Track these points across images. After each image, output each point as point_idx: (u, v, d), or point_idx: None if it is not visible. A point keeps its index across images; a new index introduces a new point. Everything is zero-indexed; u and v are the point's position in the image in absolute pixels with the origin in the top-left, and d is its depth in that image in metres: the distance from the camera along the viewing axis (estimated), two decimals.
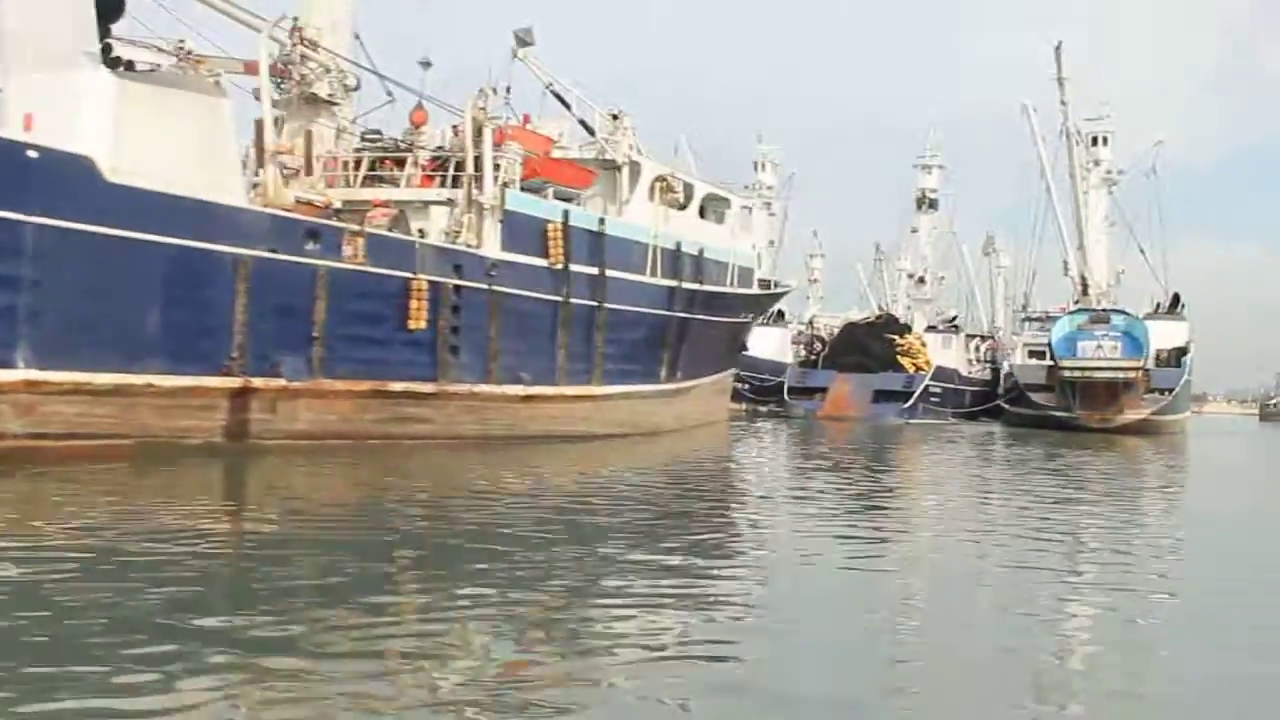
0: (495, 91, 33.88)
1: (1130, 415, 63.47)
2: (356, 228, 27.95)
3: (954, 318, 79.55)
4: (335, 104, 33.70)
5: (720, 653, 9.24)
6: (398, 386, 28.69)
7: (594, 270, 35.55)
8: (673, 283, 40.05)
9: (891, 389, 68.23)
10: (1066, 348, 65.47)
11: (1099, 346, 64.79)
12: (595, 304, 35.68)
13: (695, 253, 41.78)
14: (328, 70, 33.30)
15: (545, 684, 8.25)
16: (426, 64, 33.80)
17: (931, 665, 9.23)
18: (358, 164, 33.39)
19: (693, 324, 42.05)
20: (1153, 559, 15.67)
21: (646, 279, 38.49)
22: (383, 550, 13.41)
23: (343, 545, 13.71)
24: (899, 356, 70.51)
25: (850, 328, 73.97)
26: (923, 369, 70.06)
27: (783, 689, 8.26)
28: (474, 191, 31.39)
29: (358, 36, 34.65)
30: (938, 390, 70.60)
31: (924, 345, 72.01)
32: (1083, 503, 23.47)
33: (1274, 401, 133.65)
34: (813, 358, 72.62)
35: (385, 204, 31.54)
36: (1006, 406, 70.98)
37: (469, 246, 31.03)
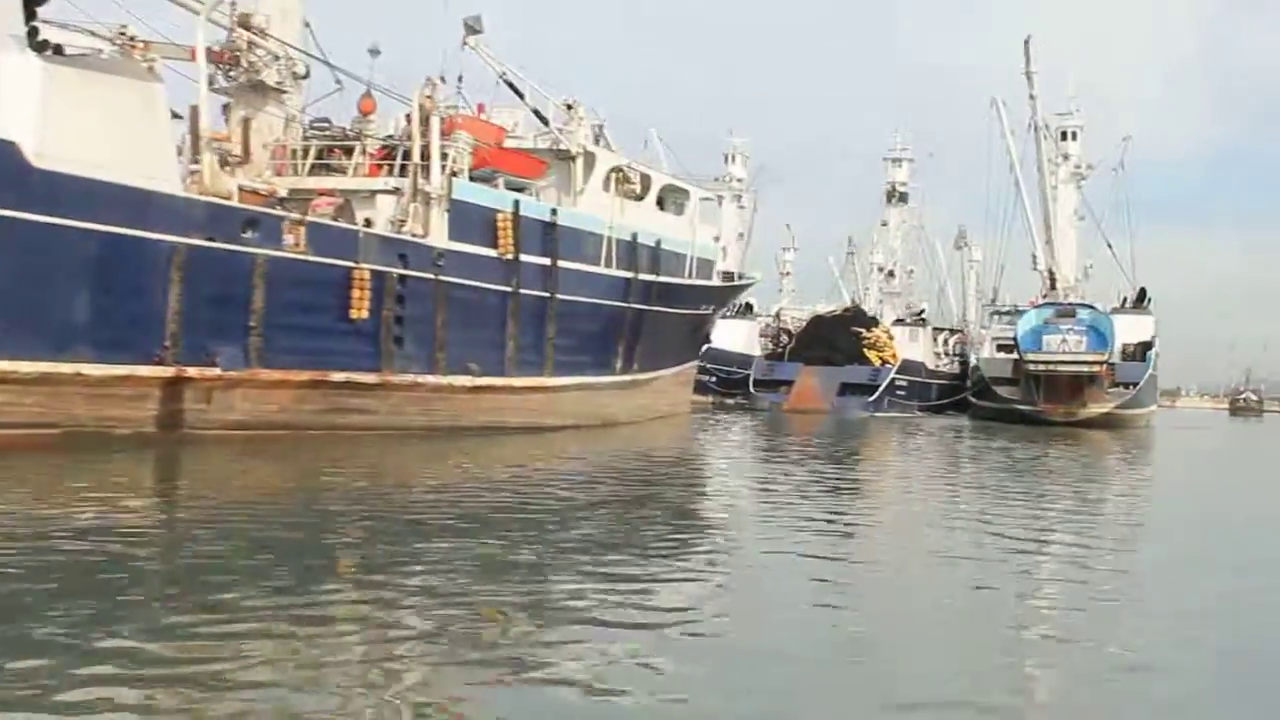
0: (444, 80, 33.71)
1: (1094, 409, 63.46)
2: (297, 216, 27.66)
3: (921, 311, 79.38)
4: (284, 92, 33.42)
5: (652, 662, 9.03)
6: (339, 377, 28.44)
7: (546, 261, 35.34)
8: (628, 274, 39.85)
9: (857, 382, 68.10)
10: (1032, 341, 65.43)
11: (1064, 340, 64.73)
12: (547, 295, 35.46)
13: (652, 244, 41.60)
14: (276, 58, 33.03)
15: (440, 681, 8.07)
16: (375, 52, 33.49)
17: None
18: (306, 153, 33.15)
19: (651, 316, 41.87)
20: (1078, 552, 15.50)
21: (601, 270, 38.30)
22: (289, 543, 13.22)
23: (250, 536, 13.51)
24: (865, 349, 70.34)
25: (817, 321, 73.76)
26: (889, 362, 69.93)
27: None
28: (420, 181, 31.13)
29: (308, 24, 34.31)
30: (904, 383, 70.52)
31: (891, 338, 71.85)
32: (1020, 496, 23.33)
33: (1243, 396, 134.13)
34: (779, 350, 72.39)
35: (330, 193, 31.28)
36: (973, 400, 71.04)
37: (414, 236, 30.77)
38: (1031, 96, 72.37)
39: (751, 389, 68.78)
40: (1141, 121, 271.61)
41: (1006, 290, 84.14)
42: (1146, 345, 68.55)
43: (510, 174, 35.20)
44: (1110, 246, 76.60)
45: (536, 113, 37.94)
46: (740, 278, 60.78)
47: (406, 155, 32.06)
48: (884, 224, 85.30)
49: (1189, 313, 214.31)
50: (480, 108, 38.66)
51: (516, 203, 34.08)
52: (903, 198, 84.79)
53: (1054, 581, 13.33)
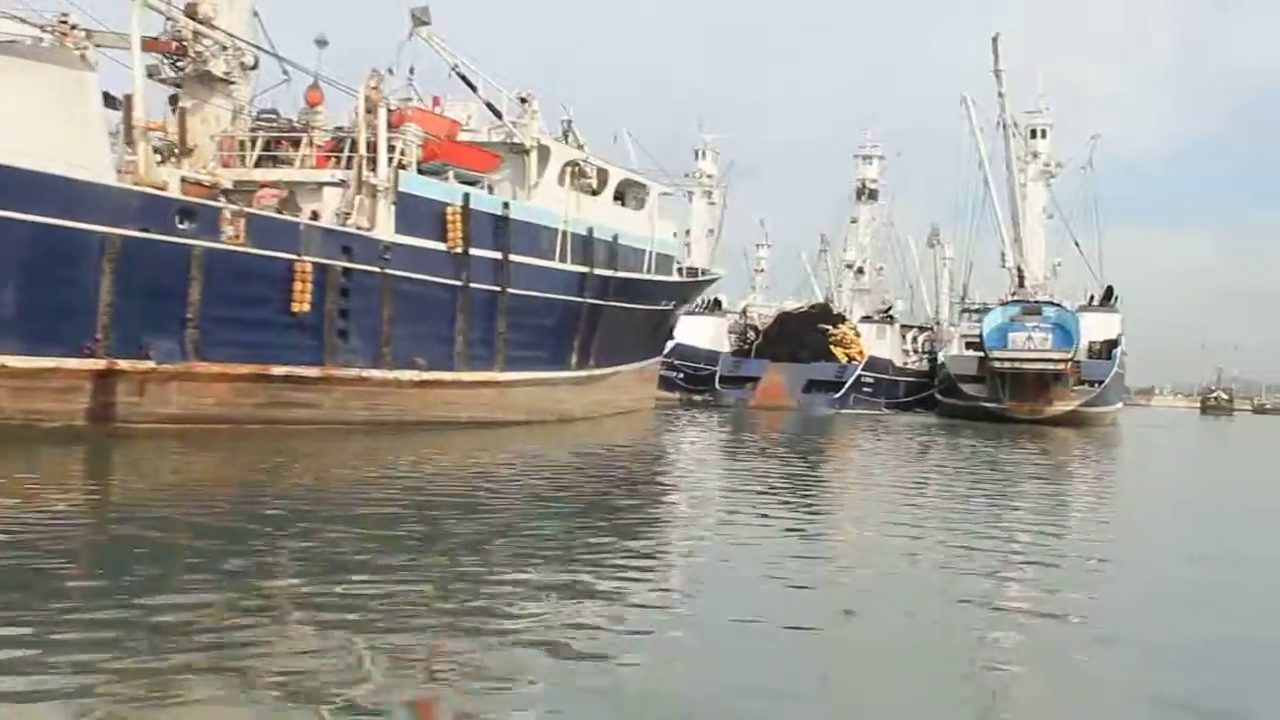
0: (392, 72, 33.48)
1: (1060, 407, 63.47)
2: (236, 208, 27.33)
3: (889, 308, 79.32)
4: (231, 83, 33.03)
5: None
6: (280, 370, 28.13)
7: (497, 255, 35.08)
8: (584, 269, 39.59)
9: (823, 379, 68.02)
10: (998, 339, 65.38)
11: (1029, 338, 64.71)
12: (498, 289, 35.21)
13: (609, 239, 41.37)
14: (224, 48, 32.66)
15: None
16: (322, 43, 33.16)
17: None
18: (253, 144, 32.79)
19: (609, 311, 41.63)
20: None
21: (555, 264, 38.03)
22: (201, 537, 12.93)
23: (165, 530, 13.23)
24: (832, 346, 70.25)
25: (784, 317, 73.64)
26: (856, 359, 69.84)
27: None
28: (366, 173, 30.80)
29: (256, 14, 33.94)
30: (870, 381, 70.42)
31: (858, 336, 71.74)
32: (974, 498, 23.01)
33: (1214, 395, 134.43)
34: (746, 347, 72.25)
35: (275, 185, 30.94)
36: (941, 398, 70.96)
37: (359, 229, 30.45)
38: (1000, 94, 72.27)
39: (717, 385, 68.58)
40: (1120, 120, 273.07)
41: (977, 288, 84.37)
42: (1112, 343, 68.58)
43: (461, 167, 34.90)
44: (1078, 244, 76.69)
45: (490, 105, 37.67)
46: (704, 273, 60.52)
47: (354, 147, 31.73)
48: (853, 221, 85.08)
49: (1163, 311, 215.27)
50: (436, 101, 38.41)
51: (466, 196, 33.81)
52: (872, 195, 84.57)
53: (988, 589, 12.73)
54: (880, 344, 72.82)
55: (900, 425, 55.21)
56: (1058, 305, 68.27)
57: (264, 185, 30.24)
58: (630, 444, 33.63)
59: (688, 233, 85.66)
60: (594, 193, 41.26)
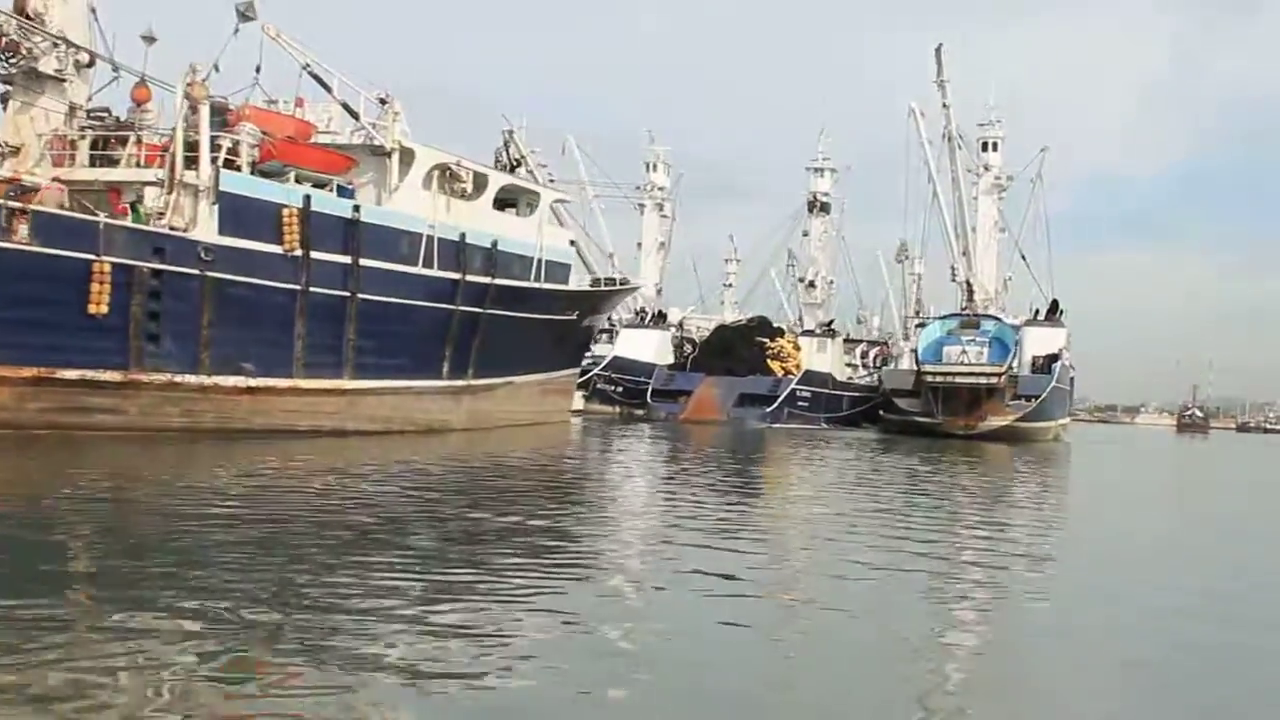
0: (218, 69, 32.38)
1: (994, 421, 62.20)
2: (20, 205, 26.37)
3: (831, 322, 78.08)
4: (64, 80, 32.17)
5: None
6: (72, 374, 27.17)
7: (345, 259, 34.07)
8: (455, 275, 38.53)
9: (756, 393, 66.84)
10: (933, 353, 64.26)
11: (963, 352, 63.51)
12: (347, 294, 34.18)
13: (487, 245, 40.28)
14: (55, 44, 31.82)
15: None
16: (150, 39, 32.17)
17: None
18: (90, 143, 31.89)
19: (489, 319, 40.51)
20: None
21: (419, 270, 36.97)
22: None
23: None
24: (769, 360, 69.10)
25: (721, 330, 72.59)
26: (792, 373, 68.67)
27: None
28: (184, 173, 29.83)
29: (93, 10, 33.08)
30: (807, 395, 69.14)
31: (797, 349, 70.57)
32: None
33: (1189, 413, 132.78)
34: (682, 360, 71.13)
35: (94, 184, 30.02)
36: (883, 413, 69.69)
37: (173, 229, 29.45)
38: (944, 105, 71.28)
39: (649, 399, 67.41)
40: (1120, 141, 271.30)
41: (933, 302, 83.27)
42: (1053, 358, 67.22)
43: (304, 168, 33.84)
44: (1024, 258, 75.69)
45: (346, 106, 36.66)
46: (623, 283, 59.40)
47: (188, 148, 30.78)
48: (805, 234, 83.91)
49: (1157, 330, 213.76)
50: (300, 102, 37.49)
51: (307, 198, 32.80)
52: (824, 208, 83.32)
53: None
54: (821, 358, 71.49)
55: (835, 440, 53.78)
56: (996, 319, 67.08)
57: (45, 187, 28.87)
58: (497, 456, 31.37)
59: (639, 245, 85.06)
60: (468, 197, 40.18)
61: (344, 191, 35.42)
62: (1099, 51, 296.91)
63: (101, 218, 28.09)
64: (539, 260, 43.70)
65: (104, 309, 27.28)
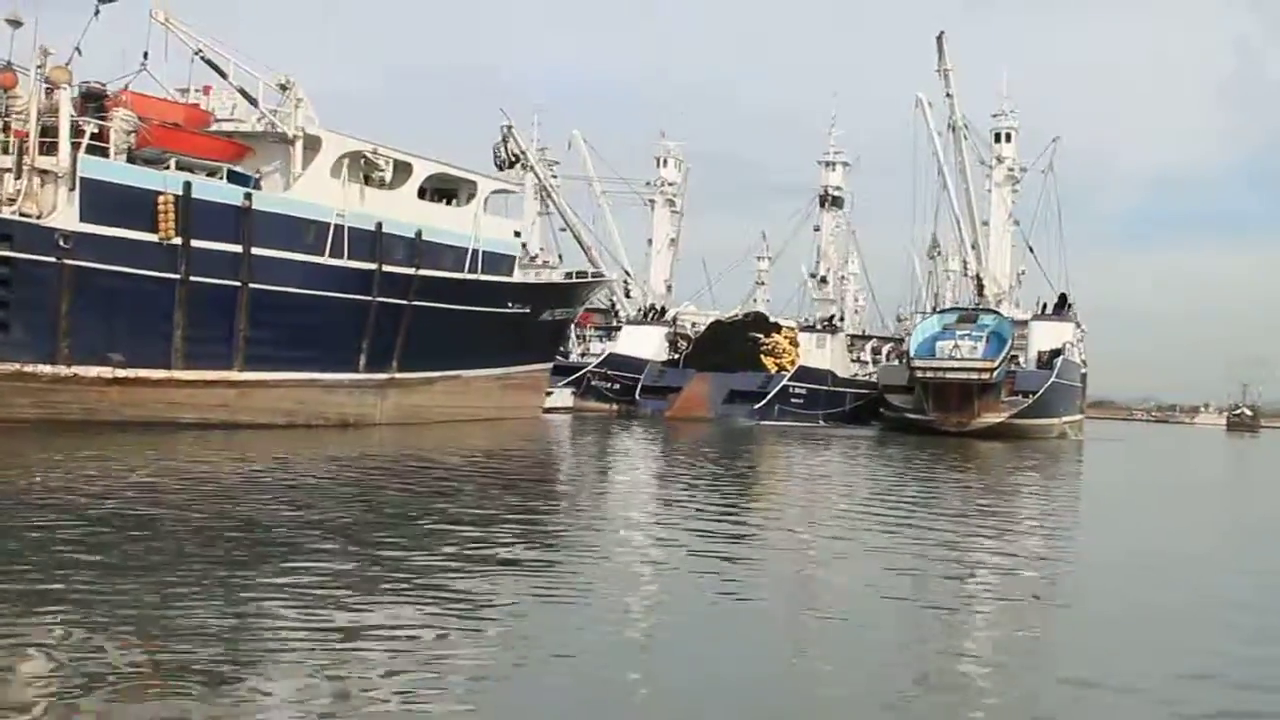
0: (80, 53, 31.70)
1: (988, 418, 60.18)
2: None
3: (831, 317, 76.09)
4: None
5: None
6: None
7: (235, 247, 33.30)
8: (369, 265, 37.63)
9: (746, 389, 65.31)
10: (926, 348, 62.33)
11: (955, 346, 61.50)
12: (237, 284, 33.43)
13: (410, 235, 39.34)
14: None
15: None
16: (15, 23, 31.47)
17: None
18: None
19: (415, 311, 39.56)
20: None
21: (324, 260, 36.12)
22: None
23: None
24: (763, 356, 67.53)
25: (716, 326, 70.98)
26: (786, 369, 67.06)
27: None
28: (35, 157, 29.21)
29: None
30: (802, 391, 67.43)
31: (793, 345, 68.87)
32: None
33: (1238, 412, 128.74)
34: (676, 356, 69.73)
35: None
36: (882, 410, 67.86)
37: (23, 215, 28.82)
38: (948, 95, 69.30)
39: (637, 396, 66.16)
40: (1185, 140, 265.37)
41: (947, 298, 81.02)
42: (1056, 352, 64.94)
43: (187, 155, 33.07)
44: (1031, 250, 73.25)
45: (243, 92, 35.82)
46: (592, 275, 58.18)
47: (45, 132, 30.19)
48: (816, 229, 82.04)
49: (1219, 330, 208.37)
50: (207, 90, 36.79)
51: (187, 184, 32.07)
52: (836, 202, 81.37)
53: None
54: (820, 354, 69.74)
55: (809, 438, 52.15)
56: (996, 313, 65.06)
57: None
58: (402, 452, 29.50)
59: (649, 241, 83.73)
60: (388, 186, 39.30)
61: (243, 179, 34.68)
62: (1165, 48, 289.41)
63: None
64: (473, 251, 42.62)
65: None
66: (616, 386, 69.54)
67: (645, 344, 71.48)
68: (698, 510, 20.88)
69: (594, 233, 77.42)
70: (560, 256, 76.31)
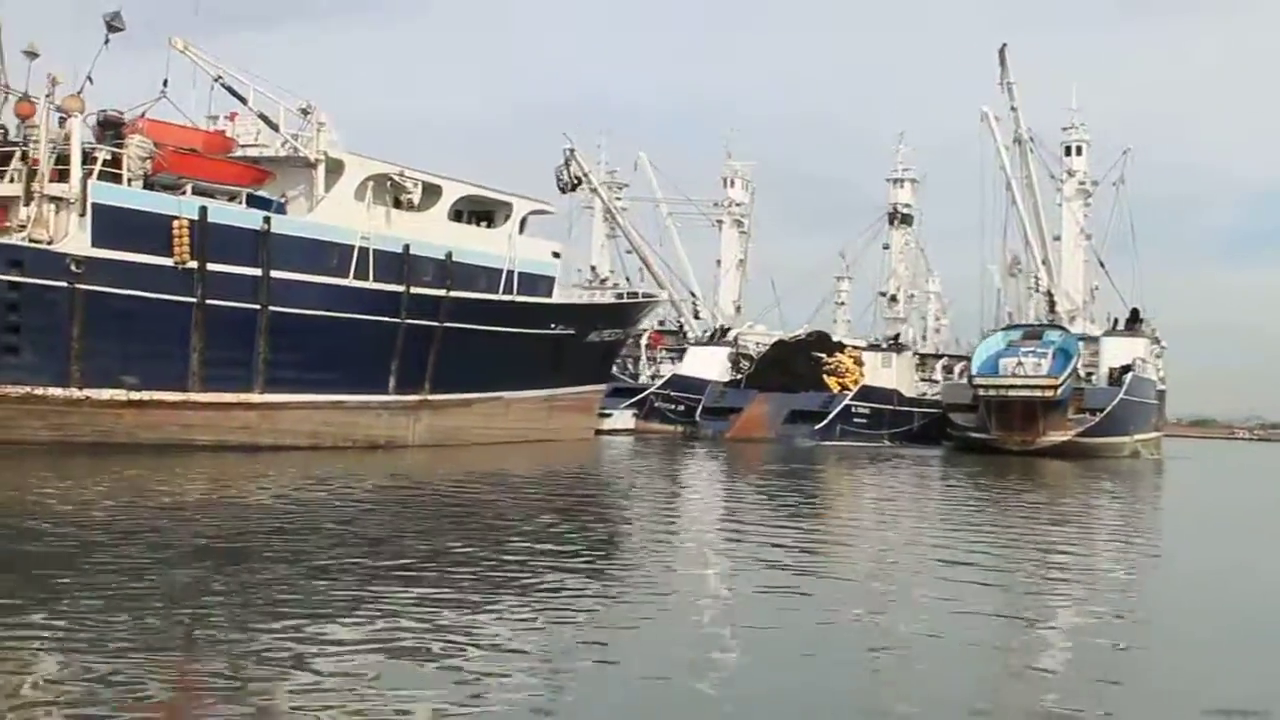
0: (91, 80, 32.22)
1: (1053, 437, 58.66)
2: None
3: (897, 335, 74.93)
4: None
5: None
6: None
7: (254, 271, 33.63)
8: (397, 287, 37.79)
9: (808, 409, 64.51)
10: (990, 365, 61.03)
11: (1019, 364, 60.08)
12: (256, 306, 33.73)
13: (440, 256, 39.44)
14: None
15: None
16: (32, 54, 32.16)
17: None
18: None
19: (448, 332, 39.63)
20: None
21: (349, 282, 36.30)
22: None
23: None
24: (825, 376, 66.74)
25: (778, 346, 70.33)
26: (849, 389, 66.16)
27: None
28: (45, 185, 29.78)
29: None
30: (865, 411, 66.42)
31: (857, 364, 67.98)
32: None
33: None
34: (739, 377, 69.15)
35: None
36: (949, 430, 66.59)
37: (34, 241, 29.35)
38: (1012, 108, 68.14)
39: (698, 417, 65.69)
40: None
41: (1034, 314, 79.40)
42: (1126, 368, 63.24)
43: (204, 180, 33.50)
44: (1102, 264, 71.55)
45: (263, 117, 36.28)
46: (643, 296, 57.91)
47: (61, 160, 30.78)
48: (885, 247, 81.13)
49: None
50: (233, 116, 37.34)
51: (203, 209, 32.46)
52: (905, 219, 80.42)
53: None
54: (885, 373, 68.69)
55: (869, 457, 51.28)
56: (1063, 329, 63.57)
57: None
58: (412, 479, 29.15)
59: (718, 262, 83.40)
60: (416, 208, 39.48)
61: (264, 203, 35.04)
62: (1266, 62, 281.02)
63: None
64: (508, 272, 42.58)
65: None
66: (681, 408, 69.13)
67: (709, 365, 70.98)
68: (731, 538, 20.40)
69: (660, 254, 77.22)
70: (628, 278, 76.71)
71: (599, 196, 75.99)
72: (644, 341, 75.81)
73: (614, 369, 59.72)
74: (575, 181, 73.18)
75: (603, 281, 78.37)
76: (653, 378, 72.71)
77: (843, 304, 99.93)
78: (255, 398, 33.98)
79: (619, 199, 79.35)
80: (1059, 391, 58.44)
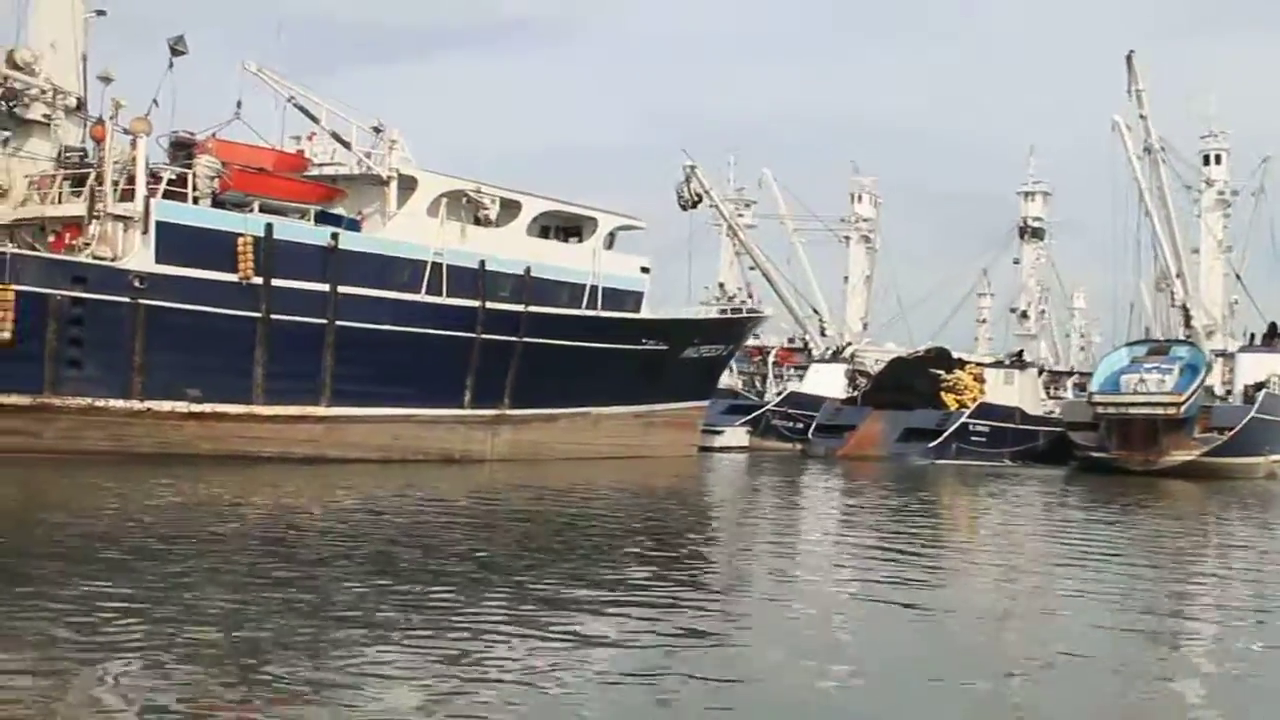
0: (158, 104, 33.20)
1: (1177, 456, 56.10)
2: None
3: (1020, 352, 72.82)
4: (50, 125, 33.92)
5: None
6: None
7: (321, 286, 34.31)
8: (472, 302, 38.15)
9: (923, 427, 63.05)
10: (1111, 382, 58.86)
11: (1141, 380, 57.68)
12: (323, 321, 34.39)
13: (518, 272, 39.68)
14: (44, 91, 33.61)
15: None
16: (106, 79, 33.39)
17: None
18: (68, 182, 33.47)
19: (528, 348, 39.84)
20: None
21: (420, 297, 36.75)
22: None
23: None
24: (943, 393, 65.19)
25: (896, 363, 68.91)
26: (966, 406, 64.47)
27: None
28: (110, 204, 30.88)
29: (84, 57, 34.70)
30: (984, 429, 64.57)
31: (978, 381, 66.22)
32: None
33: None
34: (855, 394, 68.02)
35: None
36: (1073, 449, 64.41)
37: (97, 258, 30.41)
38: (1141, 116, 65.80)
39: (811, 434, 64.79)
40: None
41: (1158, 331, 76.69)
42: (1260, 385, 60.43)
43: (272, 198, 34.33)
44: (1239, 277, 68.41)
45: (335, 136, 37.04)
46: (748, 312, 57.36)
47: (129, 180, 31.90)
48: (1016, 262, 79.16)
49: None
50: (311, 137, 38.22)
51: (269, 226, 33.26)
52: (1036, 234, 78.35)
53: None
54: (1007, 390, 66.75)
55: (982, 476, 49.98)
56: (1190, 344, 61.05)
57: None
58: (489, 492, 29.57)
59: (845, 279, 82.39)
60: (493, 224, 39.81)
61: (334, 219, 35.75)
62: None
63: (10, 249, 29.31)
64: (594, 287, 42.59)
65: (7, 335, 28.34)
66: (799, 425, 68.26)
67: (828, 382, 70.04)
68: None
69: (786, 272, 76.58)
70: (751, 295, 76.29)
71: (721, 214, 75.71)
72: (771, 359, 75.30)
73: (725, 384, 59.33)
74: (696, 199, 72.85)
75: (730, 299, 78.10)
76: (778, 395, 72.14)
77: (984, 321, 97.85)
78: (321, 410, 34.60)
79: (741, 215, 78.95)
80: (1182, 409, 55.98)
